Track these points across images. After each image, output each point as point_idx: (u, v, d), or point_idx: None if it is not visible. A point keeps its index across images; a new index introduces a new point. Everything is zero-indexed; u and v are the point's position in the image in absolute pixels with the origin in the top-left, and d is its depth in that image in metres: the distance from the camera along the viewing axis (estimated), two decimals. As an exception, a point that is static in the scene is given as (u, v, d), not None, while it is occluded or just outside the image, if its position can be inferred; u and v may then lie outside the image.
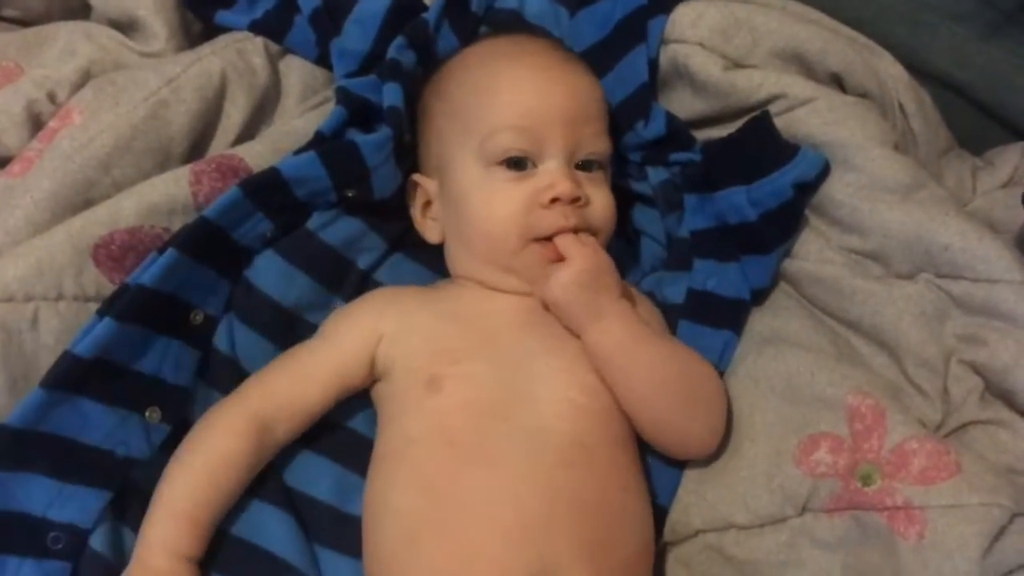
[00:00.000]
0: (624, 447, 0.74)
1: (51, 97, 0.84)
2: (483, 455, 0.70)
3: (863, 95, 0.83)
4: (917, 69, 0.86)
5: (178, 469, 0.70)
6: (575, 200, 0.76)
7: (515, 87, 0.77)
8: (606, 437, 0.73)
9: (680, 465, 0.79)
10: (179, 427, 0.74)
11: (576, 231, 0.76)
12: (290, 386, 0.75)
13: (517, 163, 0.76)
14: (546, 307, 0.77)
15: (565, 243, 0.75)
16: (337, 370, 0.76)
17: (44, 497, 0.69)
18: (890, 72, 0.84)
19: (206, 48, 0.86)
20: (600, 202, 0.78)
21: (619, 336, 0.74)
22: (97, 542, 0.70)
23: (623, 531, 0.70)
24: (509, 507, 0.67)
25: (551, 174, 0.76)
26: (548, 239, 0.76)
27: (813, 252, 0.81)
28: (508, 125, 0.76)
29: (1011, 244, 0.76)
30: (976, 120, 0.89)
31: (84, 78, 0.84)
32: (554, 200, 0.75)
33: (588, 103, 0.79)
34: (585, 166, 0.78)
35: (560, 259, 0.75)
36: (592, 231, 0.78)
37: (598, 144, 0.79)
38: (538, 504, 0.67)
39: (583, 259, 0.74)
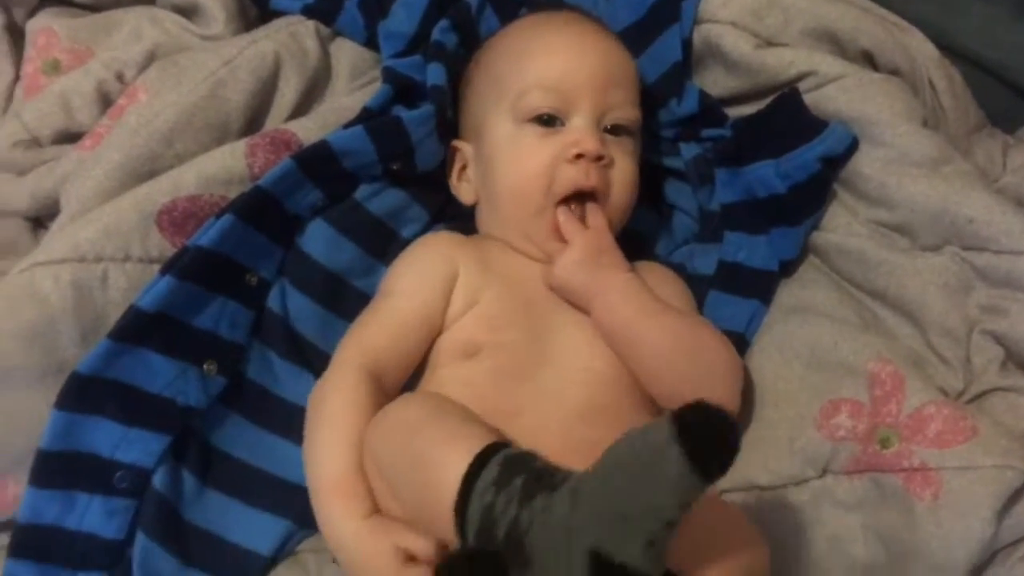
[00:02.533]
0: (642, 409, 0.77)
1: (119, 77, 0.89)
2: (506, 407, 0.73)
3: (894, 72, 0.86)
4: (948, 48, 0.88)
5: (319, 449, 0.72)
6: (599, 159, 0.78)
7: (548, 50, 0.81)
8: (625, 401, 0.76)
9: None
10: (233, 380, 0.80)
11: (597, 192, 0.79)
12: (385, 341, 0.77)
13: (547, 120, 0.80)
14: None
15: (567, 226, 0.78)
16: (426, 318, 0.78)
17: (111, 439, 0.75)
18: (920, 50, 0.86)
19: (261, 31, 0.91)
20: (623, 167, 0.81)
21: (623, 312, 0.76)
22: (158, 482, 0.76)
23: None
24: (527, 445, 0.70)
25: (578, 131, 0.79)
26: (565, 203, 0.79)
27: (841, 225, 0.83)
28: (539, 85, 0.79)
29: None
30: (1008, 99, 0.89)
31: (149, 59, 0.90)
32: (578, 156, 0.78)
33: (618, 70, 0.82)
34: (613, 131, 0.81)
35: (564, 240, 0.78)
36: (612, 197, 0.80)
37: (627, 111, 0.82)
38: (557, 447, 0.70)
39: (582, 242, 0.77)
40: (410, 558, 0.64)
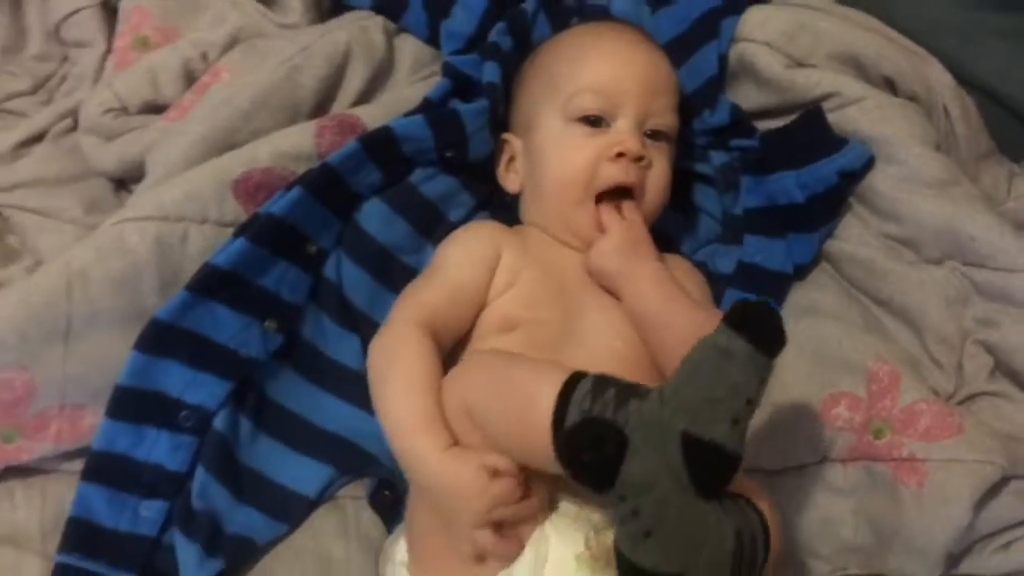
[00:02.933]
0: None
1: (203, 57, 0.96)
2: None
3: (912, 98, 0.92)
4: (964, 79, 0.94)
5: (394, 392, 0.76)
6: (639, 159, 0.85)
7: (600, 57, 0.88)
8: (643, 379, 0.82)
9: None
10: (289, 338, 0.88)
11: (634, 189, 0.86)
12: (441, 303, 0.82)
13: (593, 121, 0.86)
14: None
15: (607, 216, 0.85)
16: (473, 288, 0.84)
17: (180, 381, 0.83)
18: (938, 79, 0.93)
19: (335, 23, 0.98)
20: (658, 169, 0.87)
21: (652, 298, 0.82)
22: (218, 424, 0.84)
23: None
24: None
25: (621, 132, 0.85)
26: (603, 199, 0.85)
27: (853, 235, 0.90)
28: (590, 88, 0.86)
29: (1028, 240, 0.85)
30: (1017, 129, 0.96)
31: (231, 42, 0.97)
32: (620, 155, 0.84)
33: (661, 80, 0.88)
34: (653, 135, 0.88)
35: (604, 229, 0.85)
36: (647, 195, 0.87)
37: (666, 117, 0.88)
38: None
39: (620, 231, 0.84)
40: (494, 474, 0.69)
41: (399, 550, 0.79)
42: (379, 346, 0.80)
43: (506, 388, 0.71)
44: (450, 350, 0.84)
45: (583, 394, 0.65)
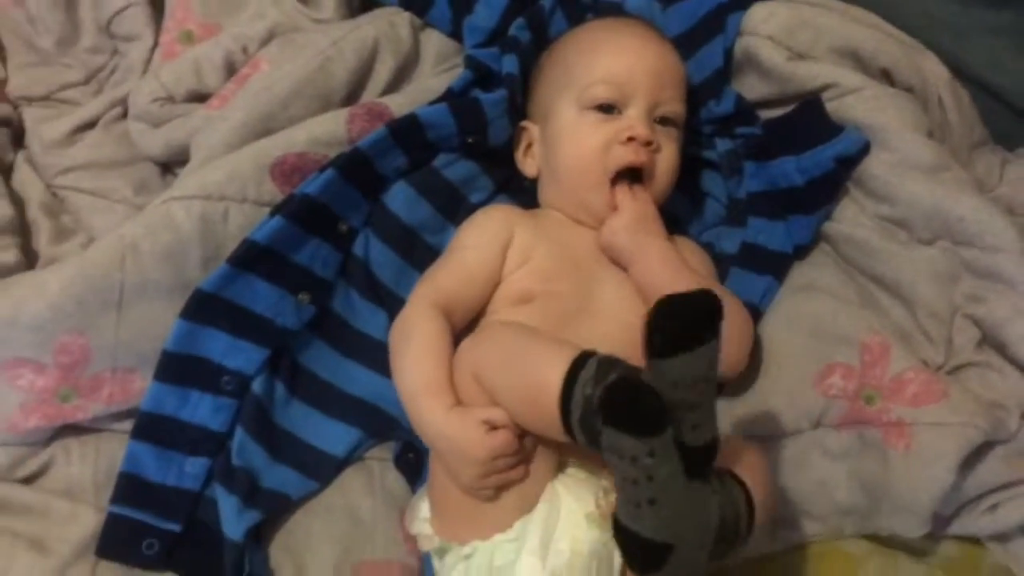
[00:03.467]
0: None
1: (244, 50, 1.02)
2: None
3: (908, 89, 0.98)
4: (959, 71, 0.99)
5: (408, 363, 0.83)
6: (648, 143, 0.90)
7: (613, 50, 0.93)
8: None
9: (718, 388, 0.94)
10: (321, 310, 0.94)
11: (642, 171, 0.91)
12: (456, 286, 0.90)
13: (606, 109, 0.92)
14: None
15: (620, 195, 0.91)
16: (486, 268, 0.90)
17: (221, 348, 0.89)
18: (933, 71, 0.98)
19: (364, 18, 1.04)
20: (667, 153, 0.93)
21: (658, 273, 0.88)
22: (256, 388, 0.90)
23: None
24: None
25: (632, 119, 0.91)
26: (616, 182, 0.91)
27: (849, 217, 0.96)
28: (603, 79, 0.92)
29: (1015, 221, 0.90)
30: (1010, 120, 1.01)
31: (269, 36, 1.03)
32: (630, 139, 0.90)
33: (670, 72, 0.94)
34: (662, 122, 0.93)
35: (616, 209, 0.91)
36: (656, 177, 0.92)
37: (674, 105, 0.94)
38: None
39: (630, 209, 0.90)
40: (493, 428, 0.76)
41: (423, 507, 0.85)
42: (397, 324, 0.87)
43: (516, 362, 0.77)
44: (468, 324, 0.90)
45: (586, 379, 0.70)
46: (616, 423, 0.66)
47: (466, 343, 0.82)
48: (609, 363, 0.71)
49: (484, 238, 0.93)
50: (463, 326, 0.90)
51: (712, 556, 0.70)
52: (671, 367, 0.66)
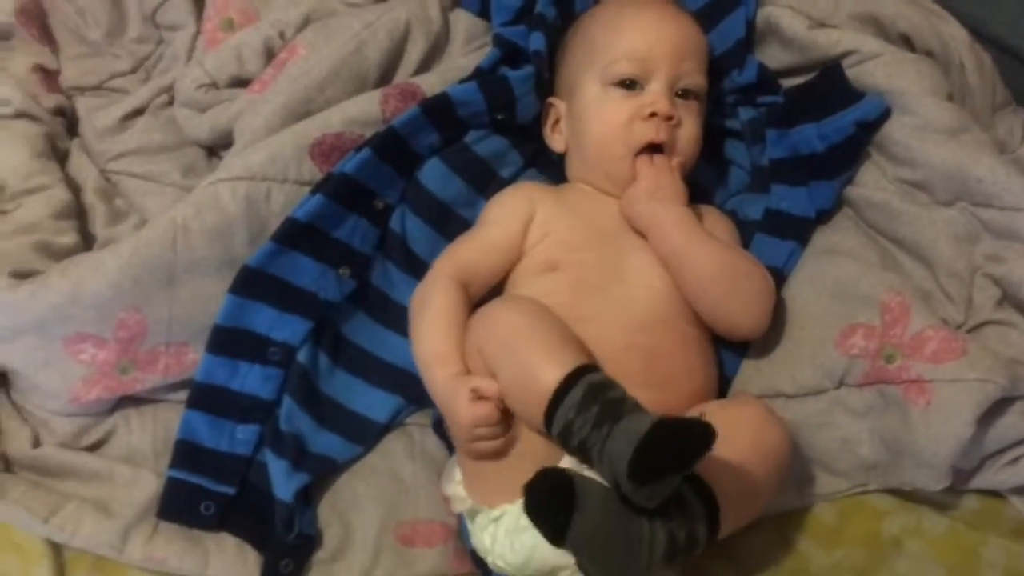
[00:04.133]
0: (692, 323, 0.92)
1: (281, 35, 1.05)
2: (580, 316, 0.88)
3: (928, 53, 0.99)
4: (980, 35, 1.00)
5: (422, 332, 0.89)
6: (669, 118, 0.93)
7: (635, 26, 0.96)
8: (678, 315, 0.91)
9: (744, 348, 0.97)
10: (361, 284, 0.98)
11: (665, 145, 0.93)
12: (475, 258, 0.95)
13: (629, 85, 0.95)
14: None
15: (640, 165, 0.93)
16: (507, 244, 0.96)
17: (268, 321, 0.94)
18: (953, 34, 0.99)
19: (396, 1, 1.06)
20: (688, 126, 0.96)
21: (673, 239, 0.91)
22: (301, 358, 0.95)
23: (683, 376, 0.89)
24: (596, 346, 0.86)
25: (654, 94, 0.94)
26: (640, 153, 0.94)
27: (871, 181, 0.97)
28: (626, 55, 0.94)
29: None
30: (1032, 81, 1.02)
31: (306, 21, 1.06)
32: (652, 115, 0.93)
33: (691, 45, 0.97)
34: (683, 95, 0.96)
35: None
36: (678, 150, 0.95)
37: (696, 78, 0.96)
38: (619, 347, 0.87)
39: (648, 178, 0.93)
40: (481, 398, 0.82)
41: (456, 471, 0.90)
42: (417, 294, 0.93)
43: (518, 360, 0.81)
44: (491, 291, 0.95)
45: (571, 404, 0.76)
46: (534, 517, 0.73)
47: (478, 316, 0.86)
48: (594, 395, 0.76)
49: (506, 213, 0.97)
50: (482, 295, 0.95)
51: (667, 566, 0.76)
52: (639, 491, 0.71)
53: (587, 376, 0.78)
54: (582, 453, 0.77)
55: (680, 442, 0.71)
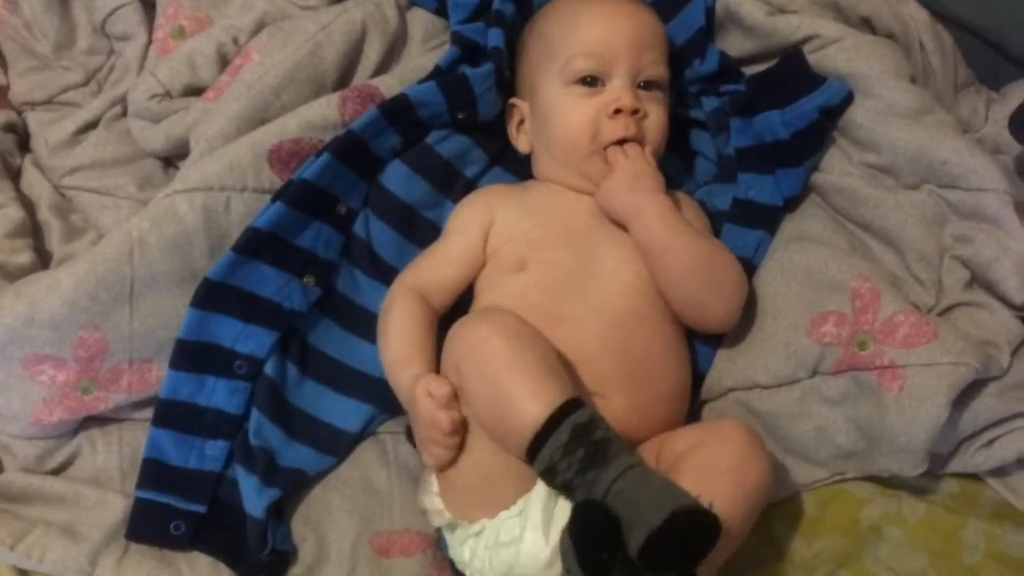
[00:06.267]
0: (667, 319, 0.92)
1: (235, 41, 1.04)
2: (553, 316, 0.88)
3: (889, 35, 0.98)
4: (941, 14, 0.99)
5: (385, 340, 0.91)
6: (635, 112, 0.92)
7: (590, 22, 0.95)
8: (652, 311, 0.91)
9: (717, 340, 0.96)
10: (326, 291, 0.97)
11: (635, 139, 0.92)
12: (433, 271, 0.95)
13: (590, 82, 0.94)
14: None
15: (612, 155, 0.92)
16: (466, 254, 0.96)
17: (232, 333, 0.92)
18: (913, 15, 0.98)
19: (351, 2, 1.04)
20: (655, 116, 0.95)
21: (656, 229, 0.90)
22: (268, 369, 0.93)
23: (659, 375, 0.89)
24: (572, 345, 0.86)
25: (616, 90, 0.93)
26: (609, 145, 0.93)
27: (836, 167, 0.97)
28: (583, 52, 0.93)
29: (999, 160, 0.91)
30: (993, 60, 1.01)
31: (259, 26, 1.04)
32: (618, 111, 0.92)
33: (649, 36, 0.95)
34: (646, 86, 0.95)
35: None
36: (647, 141, 0.94)
37: (657, 69, 0.95)
38: (594, 347, 0.86)
39: (623, 168, 0.91)
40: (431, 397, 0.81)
41: (432, 482, 0.88)
42: (383, 305, 0.94)
43: (497, 393, 0.79)
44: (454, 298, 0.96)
45: (556, 447, 0.75)
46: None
47: (454, 333, 0.84)
48: (580, 438, 0.74)
49: (464, 223, 0.98)
50: (446, 302, 0.95)
51: None
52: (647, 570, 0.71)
53: (572, 416, 0.75)
54: (566, 492, 0.77)
55: (691, 535, 0.70)
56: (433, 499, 0.88)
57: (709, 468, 0.78)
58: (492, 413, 0.79)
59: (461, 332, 0.83)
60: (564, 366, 0.84)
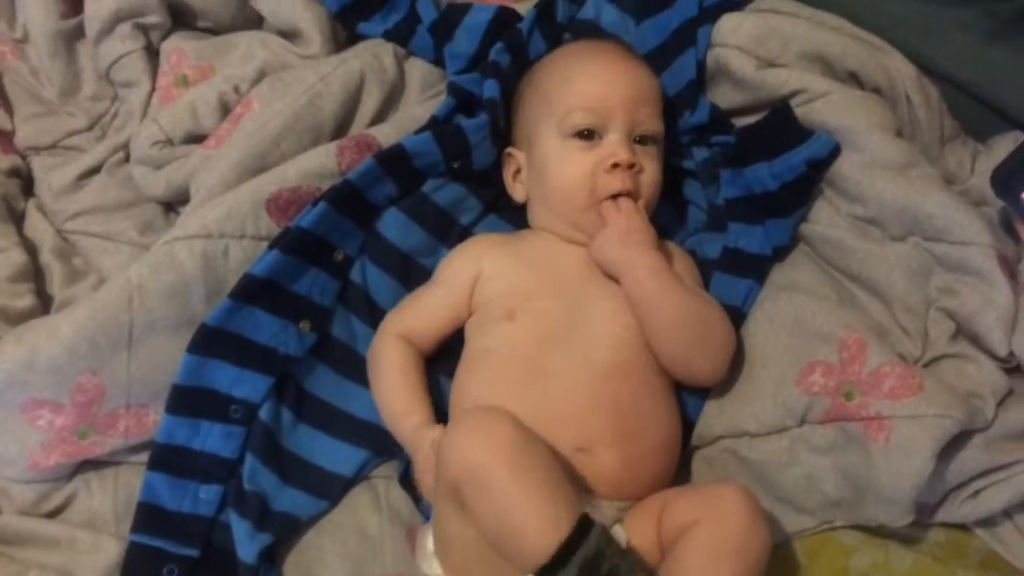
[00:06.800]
0: (656, 371, 0.93)
1: (236, 90, 1.06)
2: (544, 367, 0.90)
3: (875, 89, 1.00)
4: (927, 69, 1.01)
5: (379, 390, 0.94)
6: (631, 166, 0.94)
7: (588, 77, 0.97)
8: (641, 362, 0.92)
9: (706, 390, 0.97)
10: (322, 337, 0.98)
11: (631, 193, 0.94)
12: (416, 319, 0.97)
13: (587, 135, 0.95)
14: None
15: (606, 209, 0.94)
16: (450, 305, 0.97)
17: (228, 378, 0.94)
18: (900, 69, 1.00)
19: (350, 52, 1.08)
20: (650, 170, 0.97)
21: (646, 284, 0.91)
22: (263, 415, 0.94)
23: (649, 428, 0.90)
24: (561, 402, 0.87)
25: (613, 144, 0.95)
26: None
27: (824, 218, 0.98)
28: (581, 106, 0.95)
29: (983, 213, 0.92)
30: (979, 112, 1.02)
31: (260, 75, 1.07)
32: (615, 166, 0.94)
33: (645, 91, 0.98)
34: (641, 141, 0.97)
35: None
36: (642, 194, 0.96)
37: (652, 124, 0.97)
38: (583, 402, 0.88)
39: (616, 224, 0.93)
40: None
41: (429, 540, 0.88)
42: (370, 353, 0.96)
43: (497, 511, 0.76)
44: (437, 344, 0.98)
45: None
46: None
47: (447, 444, 0.80)
48: (590, 568, 0.73)
49: (451, 274, 0.99)
50: (433, 348, 0.98)
51: None
52: None
53: (580, 550, 0.73)
54: None
55: None
56: (429, 558, 0.87)
57: (713, 554, 0.78)
58: (495, 536, 0.77)
59: (458, 452, 0.78)
60: (552, 422, 0.85)
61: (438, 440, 0.83)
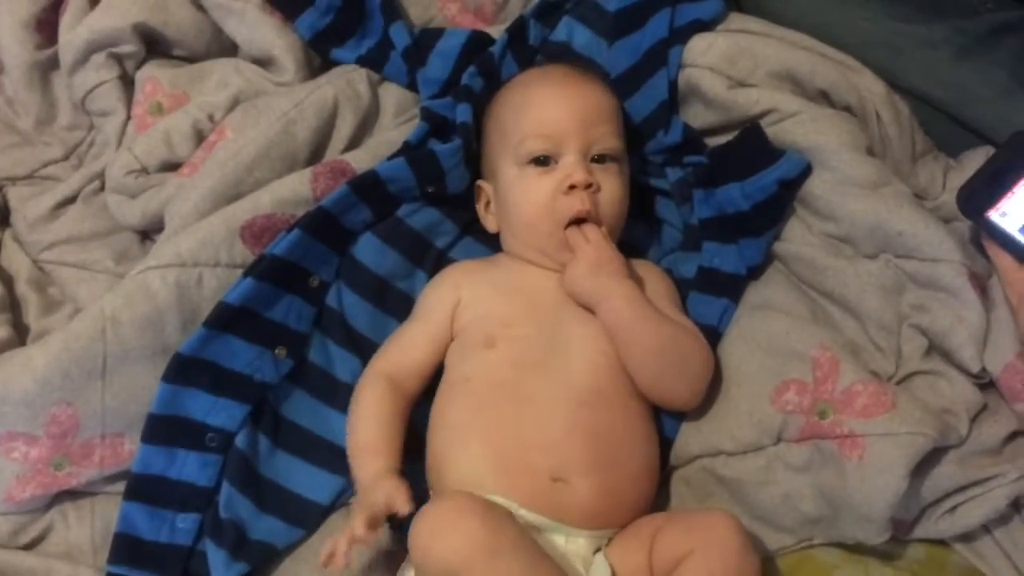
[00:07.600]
0: (633, 396, 0.93)
1: (210, 117, 1.06)
2: (521, 393, 0.90)
3: (846, 108, 1.01)
4: (897, 86, 1.02)
5: (352, 426, 0.93)
6: (588, 186, 0.94)
7: (539, 103, 0.97)
8: (619, 388, 0.92)
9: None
10: (299, 362, 0.98)
11: (591, 214, 0.94)
12: (400, 354, 0.97)
13: (543, 161, 0.96)
14: None
15: (573, 238, 0.94)
16: (431, 336, 0.98)
17: (203, 407, 0.93)
18: (870, 87, 1.01)
19: (323, 78, 1.08)
20: (609, 189, 0.96)
21: (623, 313, 0.91)
22: (240, 442, 0.94)
23: (626, 455, 0.90)
24: (538, 428, 0.87)
25: (569, 166, 0.95)
26: (568, 224, 0.94)
27: (797, 236, 0.99)
28: (534, 133, 0.96)
29: (953, 230, 0.92)
30: (950, 128, 1.03)
31: (235, 103, 1.06)
32: (572, 187, 0.94)
33: (598, 110, 0.98)
34: (599, 159, 0.97)
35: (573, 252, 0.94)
36: (603, 214, 0.95)
37: (609, 142, 0.97)
38: (560, 429, 0.88)
39: (587, 253, 0.93)
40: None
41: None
42: (354, 392, 0.95)
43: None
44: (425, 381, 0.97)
45: None
46: None
47: (427, 543, 0.78)
48: None
49: (429, 305, 0.99)
50: (419, 388, 0.97)
51: None
52: None
53: None
54: None
55: None
56: None
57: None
58: None
59: (428, 551, 0.77)
60: (529, 449, 0.86)
61: (393, 495, 0.83)
